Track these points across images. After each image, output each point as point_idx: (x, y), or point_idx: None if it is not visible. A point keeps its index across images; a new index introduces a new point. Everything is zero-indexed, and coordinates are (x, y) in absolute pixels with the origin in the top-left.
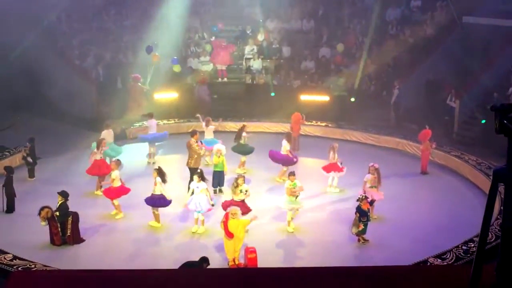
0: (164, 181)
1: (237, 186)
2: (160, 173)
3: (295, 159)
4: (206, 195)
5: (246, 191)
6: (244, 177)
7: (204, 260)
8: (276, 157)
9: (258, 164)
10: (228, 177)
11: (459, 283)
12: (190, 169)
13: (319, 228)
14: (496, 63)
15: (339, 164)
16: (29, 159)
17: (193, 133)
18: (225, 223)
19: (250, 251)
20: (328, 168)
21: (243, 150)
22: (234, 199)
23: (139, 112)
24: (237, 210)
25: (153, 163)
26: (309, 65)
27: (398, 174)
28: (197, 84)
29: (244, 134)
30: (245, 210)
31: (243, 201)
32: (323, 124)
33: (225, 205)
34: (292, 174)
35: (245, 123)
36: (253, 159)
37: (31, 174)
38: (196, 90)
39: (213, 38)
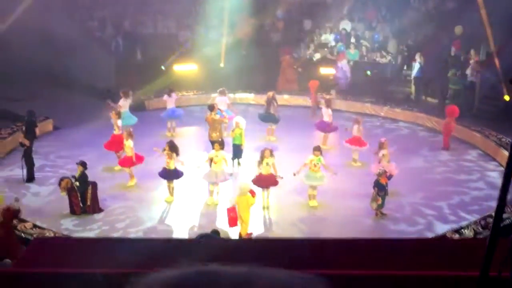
0: (177, 154)
1: (262, 159)
2: (173, 147)
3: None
4: (223, 166)
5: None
6: (271, 150)
7: (215, 232)
8: (322, 126)
9: (279, 135)
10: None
11: (474, 256)
12: (212, 142)
13: (337, 202)
14: None
15: (345, 129)
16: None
17: (211, 108)
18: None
19: (230, 209)
20: (351, 142)
21: (271, 118)
22: (262, 173)
23: (288, 87)
24: (247, 185)
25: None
26: (329, 38)
27: (418, 148)
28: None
29: (275, 103)
30: (272, 183)
31: (270, 174)
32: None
33: (255, 180)
34: (317, 149)
35: (272, 92)
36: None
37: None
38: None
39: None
